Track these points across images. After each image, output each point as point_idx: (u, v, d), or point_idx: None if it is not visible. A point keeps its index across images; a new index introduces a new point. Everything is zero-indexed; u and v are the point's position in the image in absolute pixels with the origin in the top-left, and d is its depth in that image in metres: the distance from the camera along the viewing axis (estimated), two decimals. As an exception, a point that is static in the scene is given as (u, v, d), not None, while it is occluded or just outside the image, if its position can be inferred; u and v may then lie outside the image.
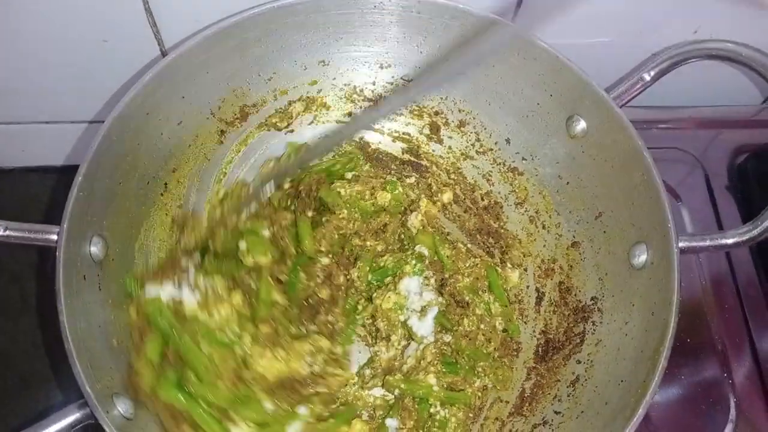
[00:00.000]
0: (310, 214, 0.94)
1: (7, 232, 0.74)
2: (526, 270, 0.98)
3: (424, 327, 0.89)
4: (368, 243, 0.96)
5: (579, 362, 0.87)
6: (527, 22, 0.96)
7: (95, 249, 0.79)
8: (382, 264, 0.93)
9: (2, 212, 0.76)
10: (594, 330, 0.87)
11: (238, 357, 0.80)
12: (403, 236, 0.98)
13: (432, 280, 0.93)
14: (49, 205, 1.04)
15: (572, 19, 0.98)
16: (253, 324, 0.82)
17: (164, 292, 0.81)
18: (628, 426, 0.70)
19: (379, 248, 0.96)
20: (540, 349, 0.92)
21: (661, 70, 0.83)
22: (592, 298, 0.89)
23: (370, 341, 0.93)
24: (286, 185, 0.92)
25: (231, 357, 0.79)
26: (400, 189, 0.99)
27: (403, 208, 0.99)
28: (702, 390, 0.95)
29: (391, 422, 0.87)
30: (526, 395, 0.89)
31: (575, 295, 0.92)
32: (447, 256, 0.95)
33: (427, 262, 0.93)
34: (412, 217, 0.98)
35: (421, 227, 0.98)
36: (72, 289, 0.73)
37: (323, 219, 0.95)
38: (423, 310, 0.90)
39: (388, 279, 0.93)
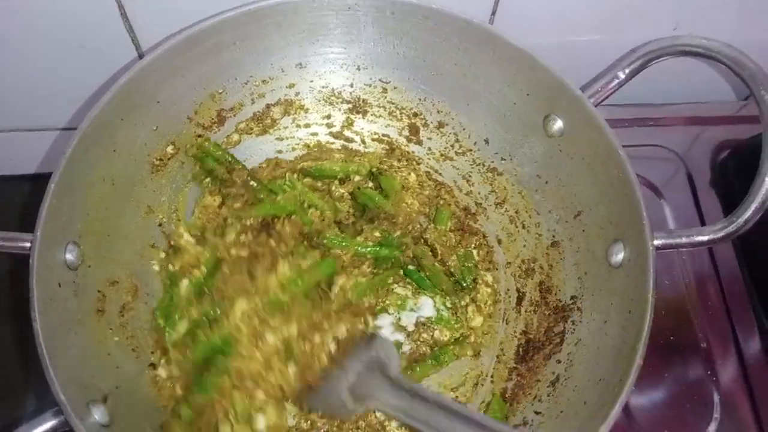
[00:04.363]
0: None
1: (-20, 241, 0.74)
2: (506, 270, 0.97)
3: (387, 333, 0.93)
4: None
5: (559, 362, 0.86)
6: (504, 21, 0.96)
7: (70, 256, 0.78)
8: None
9: (-24, 221, 0.76)
10: (574, 329, 0.87)
11: None
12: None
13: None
14: (23, 213, 1.04)
15: (552, 17, 0.99)
16: None
17: None
18: (604, 424, 0.70)
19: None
20: (521, 349, 0.92)
21: (635, 68, 0.82)
22: (571, 298, 0.89)
23: None
24: None
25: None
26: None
27: None
28: (686, 388, 0.95)
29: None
30: (507, 396, 0.89)
31: (555, 294, 0.91)
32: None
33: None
34: None
35: None
36: (47, 297, 0.73)
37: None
38: (399, 328, 0.93)
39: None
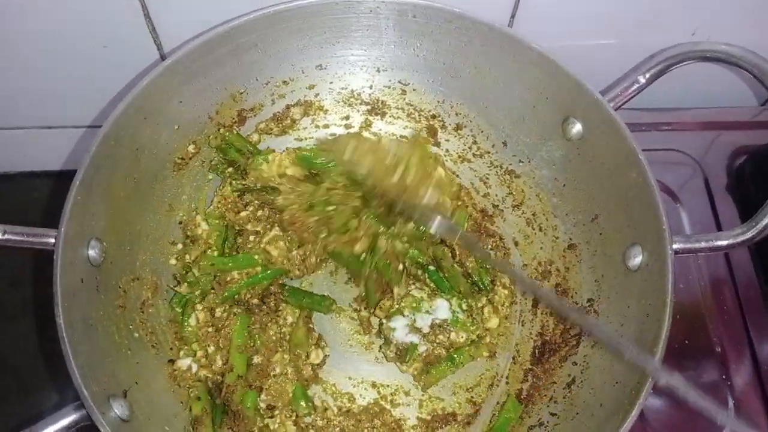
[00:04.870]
0: None
1: (6, 236, 0.75)
2: (523, 272, 0.98)
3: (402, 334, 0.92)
4: None
5: (575, 364, 0.87)
6: (524, 24, 0.96)
7: (93, 252, 0.79)
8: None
9: (3, 216, 0.77)
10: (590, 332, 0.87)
11: None
12: None
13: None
14: (48, 208, 1.05)
15: (571, 21, 0.99)
16: None
17: None
18: (621, 428, 0.70)
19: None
20: (536, 350, 0.92)
21: (655, 73, 0.83)
22: (588, 300, 0.89)
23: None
24: None
25: None
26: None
27: None
28: (700, 392, 0.95)
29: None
30: (522, 397, 0.89)
31: (572, 296, 0.91)
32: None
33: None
34: None
35: None
36: (70, 292, 0.74)
37: None
38: (414, 330, 0.92)
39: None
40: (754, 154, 1.10)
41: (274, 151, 0.97)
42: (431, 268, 0.95)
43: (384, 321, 0.92)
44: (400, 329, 0.91)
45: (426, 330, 0.92)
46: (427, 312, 0.92)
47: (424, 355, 0.92)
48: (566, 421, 0.83)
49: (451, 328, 0.92)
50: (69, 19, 0.87)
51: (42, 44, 0.90)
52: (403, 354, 0.91)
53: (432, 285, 0.94)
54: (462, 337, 0.92)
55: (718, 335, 0.98)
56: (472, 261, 0.95)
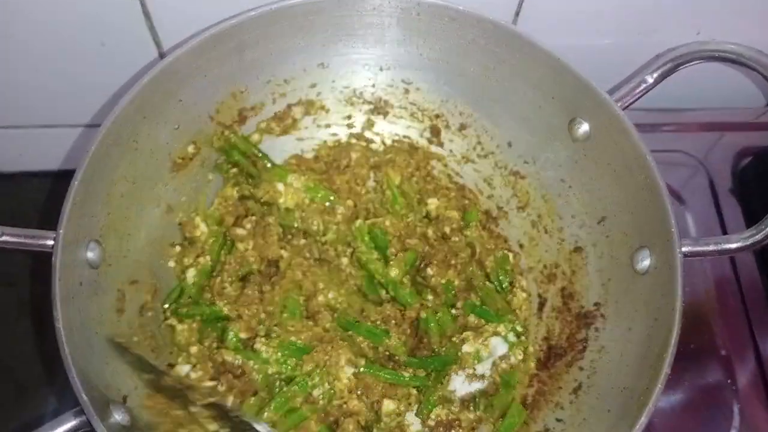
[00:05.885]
0: None
1: (4, 237, 0.73)
2: (528, 276, 0.97)
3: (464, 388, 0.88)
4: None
5: (581, 369, 0.86)
6: (528, 22, 0.95)
7: (92, 255, 0.78)
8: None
9: (1, 217, 0.75)
10: (597, 336, 0.86)
11: None
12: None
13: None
14: (46, 208, 1.04)
15: (575, 20, 0.98)
16: None
17: None
18: (631, 433, 0.69)
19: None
20: (542, 355, 0.91)
21: (663, 72, 0.82)
22: (595, 304, 0.88)
23: None
24: None
25: None
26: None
27: None
28: (705, 395, 0.95)
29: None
30: (527, 402, 0.88)
31: (578, 300, 0.90)
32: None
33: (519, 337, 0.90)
34: None
35: None
36: (68, 296, 0.72)
37: None
38: (476, 378, 0.88)
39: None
40: (759, 155, 1.09)
41: (294, 172, 0.95)
42: (469, 301, 0.92)
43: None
44: (459, 385, 0.87)
45: (488, 372, 0.88)
46: (488, 357, 0.88)
47: (486, 390, 0.88)
48: (572, 426, 0.82)
49: (511, 354, 0.89)
50: (66, 17, 0.86)
51: (39, 42, 0.89)
52: (474, 403, 0.87)
53: (473, 321, 0.91)
54: (520, 355, 0.89)
55: (723, 338, 0.98)
56: (491, 261, 0.94)
